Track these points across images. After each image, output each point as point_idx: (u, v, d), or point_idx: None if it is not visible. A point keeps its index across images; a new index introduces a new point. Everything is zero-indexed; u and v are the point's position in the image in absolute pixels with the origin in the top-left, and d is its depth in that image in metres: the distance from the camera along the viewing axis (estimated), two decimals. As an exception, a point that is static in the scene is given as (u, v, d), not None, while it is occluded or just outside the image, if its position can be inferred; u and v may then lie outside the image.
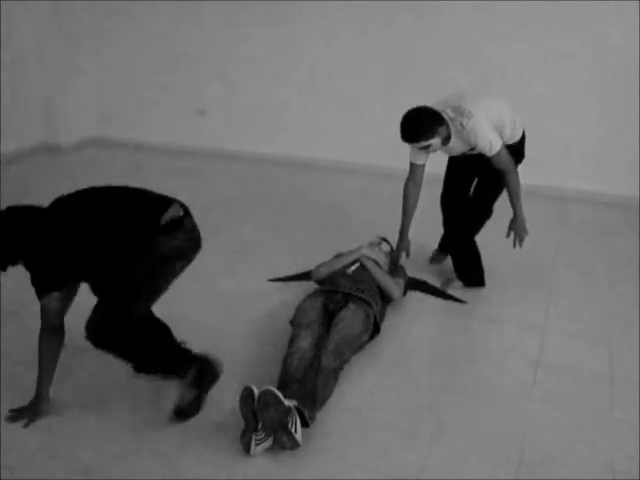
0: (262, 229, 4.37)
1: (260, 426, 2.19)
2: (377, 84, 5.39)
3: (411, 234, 3.49)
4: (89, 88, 6.46)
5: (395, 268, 3.40)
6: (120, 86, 6.42)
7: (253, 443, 2.19)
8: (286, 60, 5.71)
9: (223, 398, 2.51)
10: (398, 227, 3.46)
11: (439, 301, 3.40)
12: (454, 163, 3.44)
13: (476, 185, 3.42)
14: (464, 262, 3.51)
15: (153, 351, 2.35)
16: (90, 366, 2.70)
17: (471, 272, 3.51)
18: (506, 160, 3.09)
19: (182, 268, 2.36)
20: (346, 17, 5.33)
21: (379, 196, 5.06)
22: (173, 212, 2.29)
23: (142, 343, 2.29)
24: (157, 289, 2.31)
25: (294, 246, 4.07)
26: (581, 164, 5.02)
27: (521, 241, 3.34)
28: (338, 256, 3.36)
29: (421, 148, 3.08)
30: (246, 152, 6.06)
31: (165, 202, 2.35)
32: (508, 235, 3.36)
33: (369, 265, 3.20)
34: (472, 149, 3.14)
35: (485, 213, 3.46)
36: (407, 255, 3.52)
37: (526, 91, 4.92)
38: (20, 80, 5.87)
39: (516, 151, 3.22)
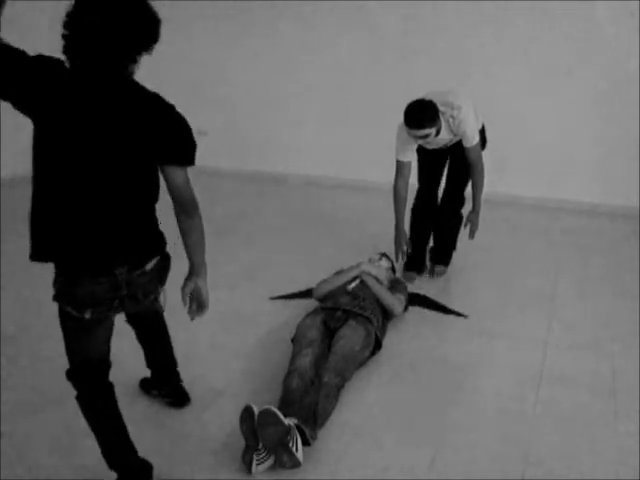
0: (264, 247, 4.39)
1: (261, 445, 2.19)
2: (384, 103, 5.40)
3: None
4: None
5: (396, 283, 3.40)
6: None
7: (254, 462, 2.19)
8: (291, 79, 5.76)
9: (224, 417, 2.51)
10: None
11: (440, 315, 3.40)
12: (427, 158, 3.65)
13: (447, 176, 3.72)
14: (444, 243, 3.86)
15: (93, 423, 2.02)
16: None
17: (447, 253, 3.85)
18: (480, 152, 3.44)
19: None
20: (354, 38, 5.39)
21: (382, 212, 5.07)
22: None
23: (86, 411, 2.01)
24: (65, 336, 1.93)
25: (296, 263, 4.08)
26: (581, 176, 5.03)
27: (474, 232, 3.61)
28: (339, 273, 3.37)
29: (420, 137, 3.25)
30: (245, 170, 6.09)
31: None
32: (466, 226, 3.63)
33: (369, 281, 3.21)
34: (450, 140, 3.44)
35: (460, 200, 3.74)
36: (408, 248, 3.67)
37: (527, 106, 4.95)
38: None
39: (482, 133, 3.52)
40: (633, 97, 4.67)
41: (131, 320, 2.35)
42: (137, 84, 1.73)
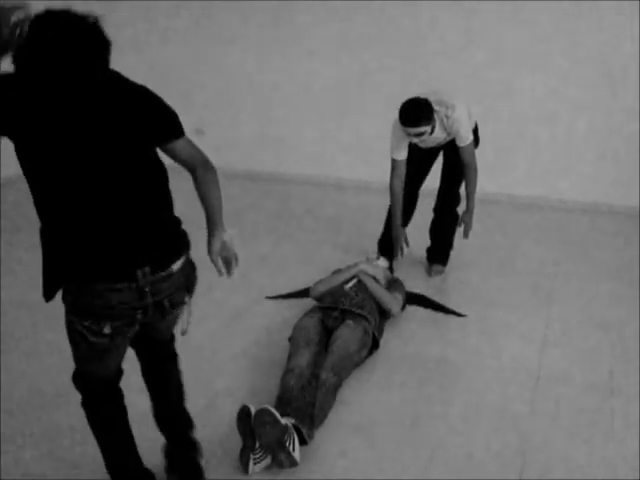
0: (261, 246, 4.38)
1: (258, 445, 2.19)
2: (382, 100, 5.39)
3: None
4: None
5: (393, 283, 3.40)
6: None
7: (251, 462, 2.19)
8: (290, 78, 5.74)
9: (221, 417, 2.51)
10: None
11: (438, 315, 3.39)
12: (415, 157, 3.60)
13: (442, 175, 3.73)
14: (442, 243, 3.87)
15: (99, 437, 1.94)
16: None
17: (444, 252, 3.88)
18: (473, 152, 3.43)
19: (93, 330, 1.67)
20: (351, 35, 5.37)
21: (379, 211, 5.06)
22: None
23: (92, 420, 1.91)
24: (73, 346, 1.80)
25: (294, 263, 4.07)
26: (581, 174, 5.01)
27: (468, 232, 3.62)
28: (336, 272, 3.37)
29: (415, 135, 3.27)
30: (242, 169, 6.08)
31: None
32: (460, 225, 3.64)
33: (367, 281, 3.20)
34: (444, 139, 3.44)
35: (455, 199, 3.76)
36: (406, 244, 3.70)
37: (525, 103, 4.94)
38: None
39: (474, 133, 3.51)
40: (633, 94, 4.66)
41: (138, 345, 2.00)
42: (107, 74, 1.62)
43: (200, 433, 2.41)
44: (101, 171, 1.61)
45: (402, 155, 3.49)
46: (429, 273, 3.88)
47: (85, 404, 1.90)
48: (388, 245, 3.81)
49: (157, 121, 1.71)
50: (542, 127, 4.99)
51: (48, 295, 1.67)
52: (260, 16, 5.59)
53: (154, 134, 1.71)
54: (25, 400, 2.65)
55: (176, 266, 1.73)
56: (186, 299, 1.84)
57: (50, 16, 1.52)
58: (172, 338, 2.08)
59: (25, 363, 2.92)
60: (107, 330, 1.65)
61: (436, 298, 3.54)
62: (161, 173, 1.75)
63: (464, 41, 4.98)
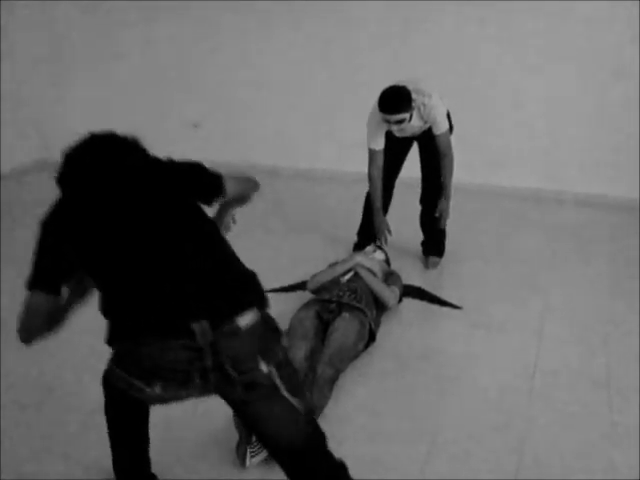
0: (257, 240, 4.36)
1: (254, 438, 2.18)
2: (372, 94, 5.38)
3: (403, 242, 3.68)
4: (82, 106, 6.45)
5: (390, 275, 3.39)
6: (112, 104, 6.41)
7: (248, 455, 2.19)
8: (286, 73, 5.72)
9: (217, 410, 2.49)
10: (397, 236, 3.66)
11: (435, 307, 3.39)
12: (391, 148, 3.59)
13: (422, 166, 3.71)
14: (434, 234, 3.83)
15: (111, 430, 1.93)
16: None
17: (438, 243, 3.85)
18: (449, 140, 3.45)
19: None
20: (341, 28, 5.36)
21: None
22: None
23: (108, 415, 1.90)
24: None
25: (290, 256, 4.06)
26: (580, 166, 5.00)
27: (445, 220, 3.64)
28: (332, 265, 3.36)
29: (395, 122, 3.27)
30: (237, 163, 6.05)
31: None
32: (437, 214, 3.63)
33: (363, 273, 3.19)
34: (420, 128, 3.46)
35: (439, 187, 3.68)
36: (389, 232, 3.70)
37: (524, 95, 4.92)
38: (15, 99, 5.89)
39: (448, 120, 3.49)
40: (634, 86, 4.64)
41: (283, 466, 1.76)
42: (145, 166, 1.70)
43: (196, 427, 2.42)
44: (161, 246, 1.59)
45: (380, 145, 3.49)
46: (426, 265, 3.87)
47: (108, 411, 1.87)
48: (368, 235, 3.82)
49: (200, 192, 1.78)
50: (541, 119, 4.97)
51: (110, 343, 1.61)
52: (257, 12, 5.56)
53: (204, 201, 1.79)
54: (26, 399, 2.64)
55: (243, 321, 1.50)
56: (263, 367, 1.51)
57: (95, 138, 1.65)
58: (312, 430, 1.71)
59: (26, 362, 2.91)
60: (158, 390, 1.52)
61: (432, 290, 3.54)
62: (212, 228, 1.76)
63: (461, 30, 4.96)
